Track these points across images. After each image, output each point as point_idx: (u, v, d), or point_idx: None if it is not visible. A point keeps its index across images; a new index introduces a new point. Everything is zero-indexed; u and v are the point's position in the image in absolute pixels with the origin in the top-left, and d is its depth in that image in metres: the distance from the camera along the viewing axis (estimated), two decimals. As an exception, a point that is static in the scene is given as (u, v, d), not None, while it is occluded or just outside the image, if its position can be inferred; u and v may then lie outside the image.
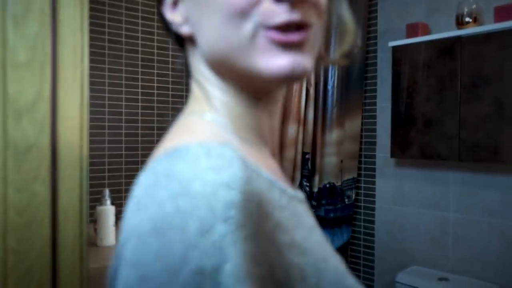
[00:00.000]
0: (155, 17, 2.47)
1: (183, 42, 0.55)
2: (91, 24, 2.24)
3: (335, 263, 0.48)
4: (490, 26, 1.95)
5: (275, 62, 0.45)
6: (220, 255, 0.34)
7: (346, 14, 0.56)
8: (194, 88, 0.54)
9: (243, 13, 0.44)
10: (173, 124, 0.52)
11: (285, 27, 0.45)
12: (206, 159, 0.39)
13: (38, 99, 0.74)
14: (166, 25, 0.55)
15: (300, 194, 0.54)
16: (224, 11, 0.45)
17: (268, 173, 0.48)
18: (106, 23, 2.31)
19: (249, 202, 0.37)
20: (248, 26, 0.45)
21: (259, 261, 0.37)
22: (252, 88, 0.51)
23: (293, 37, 0.45)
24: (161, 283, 0.34)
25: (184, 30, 0.51)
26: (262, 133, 0.54)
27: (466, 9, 2.05)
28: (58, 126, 0.77)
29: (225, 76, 0.51)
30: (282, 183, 0.51)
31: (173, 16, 0.52)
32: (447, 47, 2.10)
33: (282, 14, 0.44)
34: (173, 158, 0.40)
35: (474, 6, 2.04)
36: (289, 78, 0.46)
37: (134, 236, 0.37)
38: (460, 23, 2.08)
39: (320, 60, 0.58)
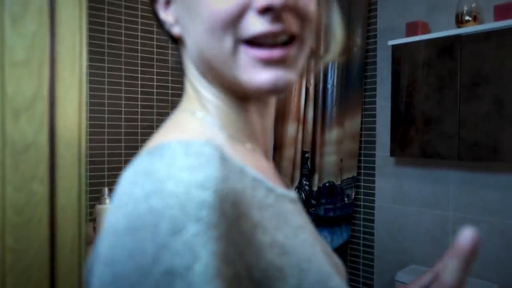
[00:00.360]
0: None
1: (177, 40, 0.55)
2: (90, 22, 2.23)
3: (320, 263, 0.47)
4: (490, 25, 1.94)
5: (257, 77, 0.45)
6: (191, 255, 0.34)
7: (336, 21, 0.56)
8: (187, 87, 0.54)
9: (225, 27, 0.44)
10: (167, 120, 0.53)
11: (267, 36, 0.45)
12: (183, 158, 0.39)
13: (36, 97, 0.74)
14: (160, 23, 0.55)
15: (292, 194, 0.54)
16: (207, 23, 0.45)
17: (256, 172, 0.48)
18: (106, 21, 2.31)
19: (223, 202, 0.37)
20: (228, 40, 0.45)
21: (233, 261, 0.37)
22: (241, 93, 0.51)
23: (276, 53, 0.45)
24: (132, 283, 0.34)
25: (175, 30, 0.52)
26: (253, 133, 0.54)
27: (465, 8, 2.05)
28: (56, 125, 0.76)
29: (214, 80, 0.51)
30: (271, 182, 0.51)
31: (166, 15, 0.52)
32: (446, 45, 2.10)
33: (264, 26, 0.44)
34: (153, 156, 0.40)
35: (473, 4, 2.04)
36: (272, 92, 0.46)
37: (110, 233, 0.37)
38: (459, 22, 2.07)
39: (316, 61, 0.58)
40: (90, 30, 2.28)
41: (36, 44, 0.74)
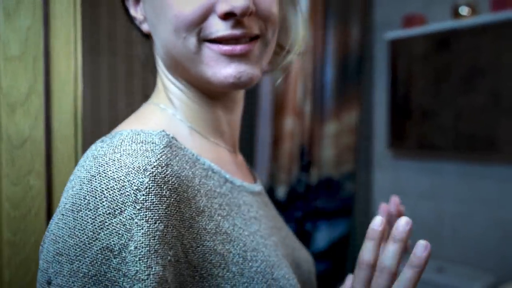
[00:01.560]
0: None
1: (148, 35, 0.57)
2: (85, 16, 2.23)
3: (268, 254, 0.49)
4: (487, 17, 1.94)
5: (221, 72, 0.47)
6: (126, 234, 0.37)
7: (299, 19, 0.58)
8: (158, 81, 0.57)
9: (189, 27, 0.46)
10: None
11: (228, 39, 0.47)
12: (129, 144, 0.41)
13: (31, 92, 0.74)
14: (130, 19, 0.57)
15: (255, 187, 0.57)
16: (172, 23, 0.47)
17: (212, 163, 0.50)
18: (101, 14, 2.30)
19: (163, 186, 0.39)
20: (193, 40, 0.47)
21: (170, 243, 0.39)
22: (206, 89, 0.53)
23: (239, 48, 0.47)
24: (72, 258, 0.36)
25: (144, 27, 0.54)
26: (218, 127, 0.55)
27: (462, 0, 2.05)
28: (52, 119, 0.77)
29: (180, 76, 0.53)
30: (230, 174, 0.52)
31: (135, 12, 0.54)
32: (443, 38, 2.10)
33: (226, 30, 0.46)
34: (103, 142, 0.42)
35: (470, -4, 2.04)
36: (236, 86, 0.48)
37: (58, 213, 0.40)
38: (456, 14, 2.07)
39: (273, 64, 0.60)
40: (85, 23, 2.28)
41: (31, 39, 0.74)
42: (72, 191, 0.40)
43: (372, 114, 2.55)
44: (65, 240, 0.37)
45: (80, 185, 0.39)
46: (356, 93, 2.45)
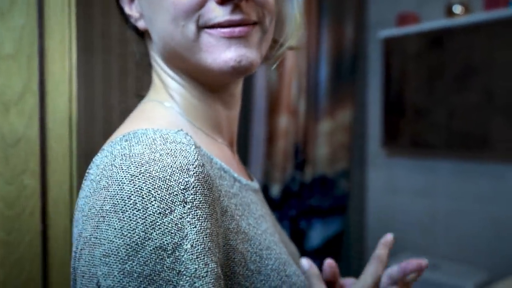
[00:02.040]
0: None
1: (143, 34, 0.57)
2: (79, 15, 2.22)
3: (279, 252, 0.50)
4: (480, 16, 1.96)
5: (221, 56, 0.47)
6: (180, 233, 0.37)
7: (296, 9, 0.58)
8: (154, 78, 0.56)
9: (187, 15, 0.46)
10: (134, 110, 0.55)
11: (227, 25, 0.47)
12: (163, 143, 0.40)
13: (25, 91, 0.74)
14: (125, 18, 0.57)
15: (255, 184, 0.58)
16: (169, 12, 0.47)
17: (220, 161, 0.50)
18: (95, 13, 2.29)
19: (204, 185, 0.40)
20: (191, 27, 0.47)
21: (214, 241, 0.40)
22: (206, 81, 0.53)
23: (236, 30, 0.47)
24: (122, 259, 0.36)
25: (140, 24, 0.54)
26: (217, 123, 0.55)
27: (455, -1, 2.06)
28: (46, 118, 0.76)
29: (179, 69, 0.53)
30: (236, 172, 0.53)
31: (130, 10, 0.54)
32: (437, 37, 2.11)
33: (224, 16, 0.46)
34: (130, 142, 0.41)
35: (463, -5, 2.05)
36: (237, 71, 0.48)
37: (94, 215, 0.39)
38: (450, 13, 2.08)
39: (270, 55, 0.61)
40: (79, 22, 2.26)
41: (25, 37, 0.73)
42: (109, 191, 0.38)
43: (366, 112, 2.56)
44: (111, 241, 0.36)
45: (119, 185, 0.38)
46: (350, 91, 2.46)
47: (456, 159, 2.19)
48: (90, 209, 0.39)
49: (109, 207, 0.38)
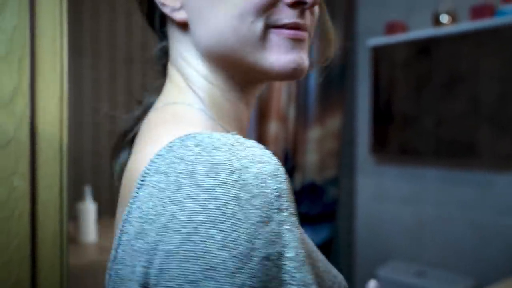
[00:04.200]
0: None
1: (163, 25, 0.56)
2: (71, 16, 2.21)
3: (320, 255, 0.51)
4: (466, 25, 1.99)
5: (285, 57, 0.48)
6: (280, 242, 0.36)
7: (329, 23, 0.60)
8: (174, 76, 0.53)
9: (259, 12, 0.46)
10: (153, 113, 0.52)
11: (292, 28, 0.48)
12: (243, 149, 0.39)
13: (16, 92, 0.73)
14: (146, 6, 0.56)
15: None
16: (237, 6, 0.46)
17: None
18: (86, 16, 2.29)
19: (291, 191, 0.39)
20: (260, 25, 0.47)
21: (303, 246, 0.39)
22: (245, 81, 0.52)
23: (300, 33, 0.48)
24: (231, 271, 0.34)
25: (179, 15, 0.51)
26: (241, 124, 0.55)
27: (443, 8, 2.09)
28: (37, 120, 0.76)
29: (219, 67, 0.51)
30: None
31: (170, 0, 0.51)
32: (424, 46, 2.14)
33: (292, 18, 0.47)
34: (203, 148, 0.39)
35: (451, 5, 2.09)
36: (295, 73, 0.49)
37: (179, 227, 0.36)
38: (437, 22, 2.12)
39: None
40: (70, 24, 2.26)
41: (16, 39, 0.73)
42: (197, 201, 0.36)
43: (355, 120, 2.58)
44: (215, 254, 0.34)
45: (212, 194, 0.36)
46: (340, 98, 2.48)
47: (443, 166, 2.22)
48: (169, 219, 0.36)
49: (202, 218, 0.35)
